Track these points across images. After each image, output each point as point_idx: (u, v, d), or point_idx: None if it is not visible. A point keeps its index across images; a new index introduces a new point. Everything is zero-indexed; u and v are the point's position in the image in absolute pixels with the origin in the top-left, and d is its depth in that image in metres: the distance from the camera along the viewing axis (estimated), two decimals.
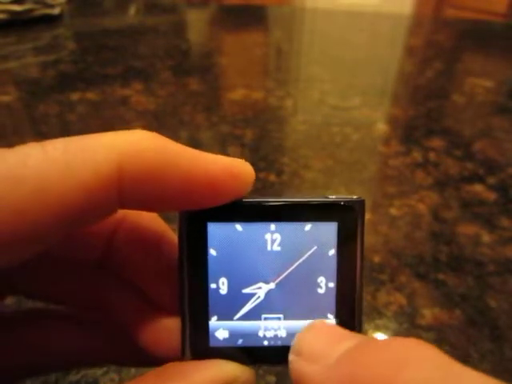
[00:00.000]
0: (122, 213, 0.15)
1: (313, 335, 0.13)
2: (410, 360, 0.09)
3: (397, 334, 0.27)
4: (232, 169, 0.13)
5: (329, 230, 0.14)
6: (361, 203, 0.14)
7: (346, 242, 0.14)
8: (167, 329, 0.15)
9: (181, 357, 0.14)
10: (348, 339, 0.12)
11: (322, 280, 0.14)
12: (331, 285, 0.14)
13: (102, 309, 0.16)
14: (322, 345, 0.12)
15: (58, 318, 0.16)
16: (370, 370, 0.10)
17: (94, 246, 0.15)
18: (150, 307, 0.15)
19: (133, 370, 0.24)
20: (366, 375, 0.10)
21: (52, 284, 0.15)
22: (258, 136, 0.52)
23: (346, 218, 0.14)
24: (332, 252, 0.14)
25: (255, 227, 0.14)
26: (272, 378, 0.24)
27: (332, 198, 0.14)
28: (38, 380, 0.24)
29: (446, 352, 0.10)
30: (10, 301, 0.26)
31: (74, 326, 0.16)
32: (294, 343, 0.13)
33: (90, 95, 0.63)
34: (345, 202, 0.14)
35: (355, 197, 0.14)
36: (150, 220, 0.15)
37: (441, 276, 0.32)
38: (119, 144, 0.11)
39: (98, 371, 0.24)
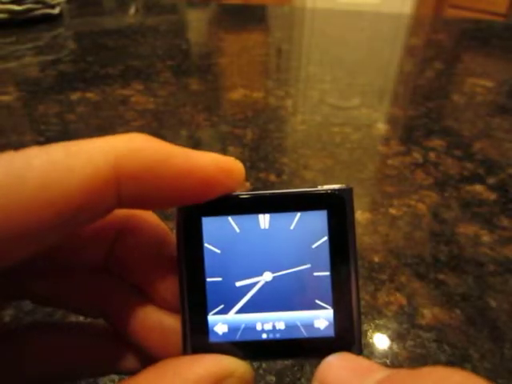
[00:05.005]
0: (124, 216, 0.15)
1: (339, 365, 0.12)
2: None
3: (397, 333, 0.27)
4: (221, 164, 0.13)
5: (319, 219, 0.14)
6: (348, 191, 0.14)
7: (337, 229, 0.14)
8: (171, 329, 0.15)
9: (182, 354, 0.14)
10: (376, 372, 0.11)
11: (317, 269, 0.14)
12: (326, 273, 0.14)
13: (104, 313, 0.16)
14: (349, 376, 0.12)
15: (58, 330, 0.16)
16: None
17: (97, 250, 0.15)
18: (153, 309, 0.15)
19: None
20: None
21: (57, 287, 0.15)
22: (258, 136, 0.52)
23: (335, 205, 0.14)
24: (325, 240, 0.14)
25: (248, 220, 0.14)
26: (272, 378, 0.24)
27: (321, 188, 0.15)
28: None
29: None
30: (8, 316, 0.26)
31: (74, 338, 0.16)
32: (317, 371, 0.13)
33: (90, 95, 0.63)
34: (332, 190, 0.14)
35: (343, 186, 0.15)
36: (152, 223, 0.16)
37: (441, 276, 0.32)
38: (115, 146, 0.12)
39: None
